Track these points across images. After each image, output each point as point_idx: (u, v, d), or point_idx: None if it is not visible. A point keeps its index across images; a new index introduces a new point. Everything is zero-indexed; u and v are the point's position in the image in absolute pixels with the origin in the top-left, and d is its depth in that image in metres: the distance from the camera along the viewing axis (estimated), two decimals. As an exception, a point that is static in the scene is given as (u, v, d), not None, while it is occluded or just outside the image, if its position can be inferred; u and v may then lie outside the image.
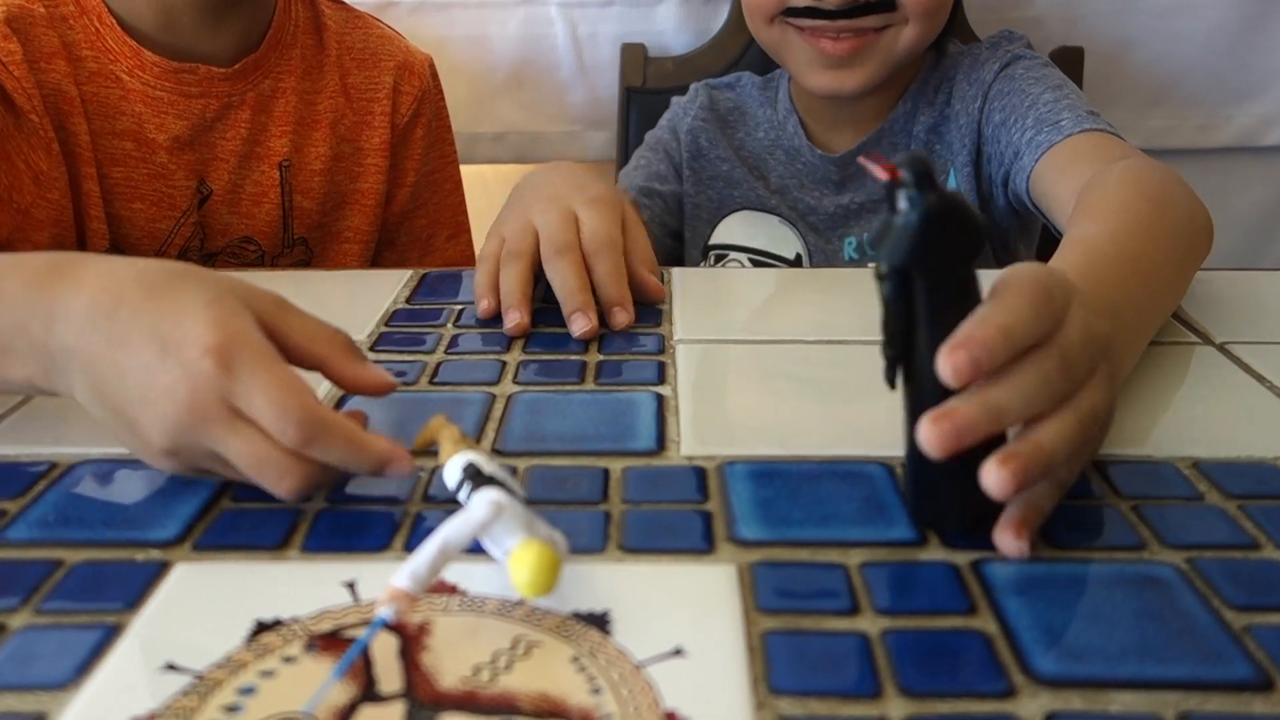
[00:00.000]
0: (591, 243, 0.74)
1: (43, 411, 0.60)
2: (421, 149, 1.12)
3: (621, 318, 0.72)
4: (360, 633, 0.40)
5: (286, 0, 1.03)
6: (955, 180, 1.06)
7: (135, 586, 0.44)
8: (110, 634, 0.41)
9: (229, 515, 0.49)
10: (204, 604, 0.43)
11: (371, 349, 0.69)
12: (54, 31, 0.91)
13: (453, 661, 0.39)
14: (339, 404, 0.60)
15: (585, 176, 0.84)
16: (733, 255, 1.12)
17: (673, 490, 0.51)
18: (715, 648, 0.40)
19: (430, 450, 0.53)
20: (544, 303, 0.74)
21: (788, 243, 1.11)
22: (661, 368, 0.66)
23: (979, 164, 1.05)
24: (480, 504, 0.41)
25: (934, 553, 0.46)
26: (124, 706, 0.37)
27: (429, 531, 0.42)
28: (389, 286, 0.81)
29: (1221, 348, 0.67)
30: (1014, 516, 0.46)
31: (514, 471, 0.53)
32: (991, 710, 0.37)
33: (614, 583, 0.44)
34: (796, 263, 1.10)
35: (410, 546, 0.46)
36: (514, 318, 0.71)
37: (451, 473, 0.45)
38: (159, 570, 0.45)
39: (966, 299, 0.45)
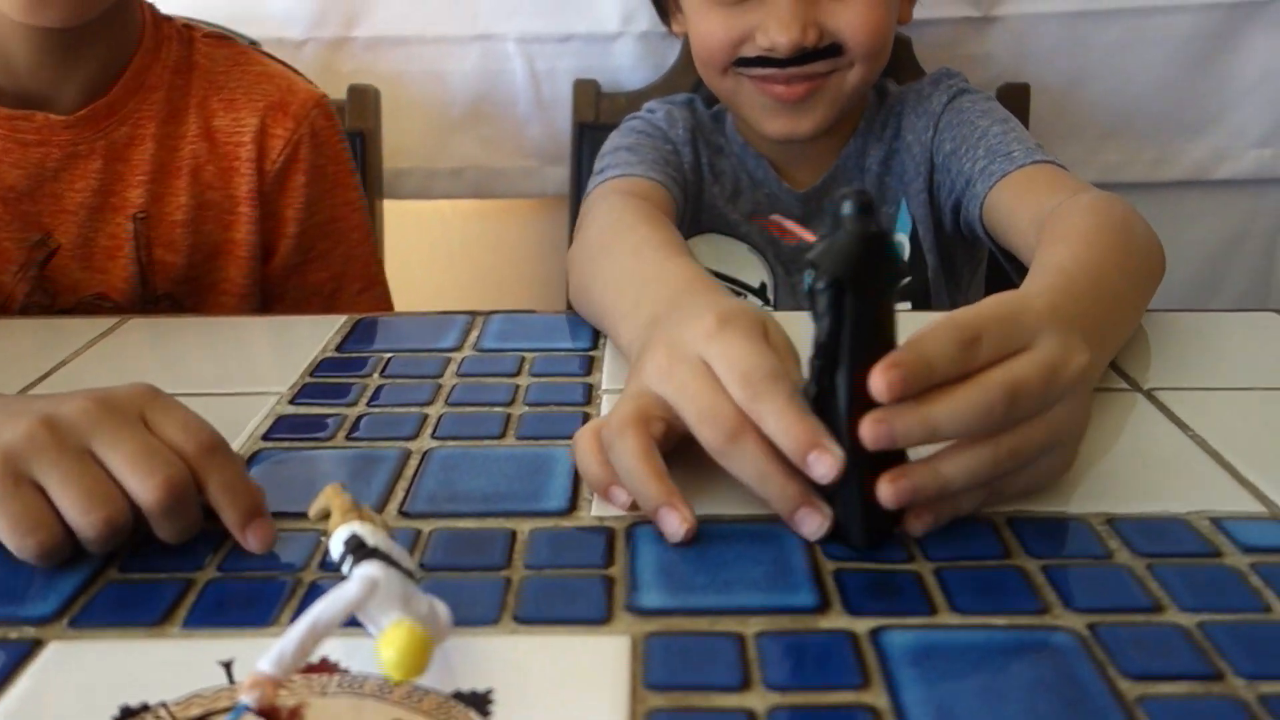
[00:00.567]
0: (745, 390, 0.51)
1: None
2: (303, 197, 1.03)
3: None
4: None
5: (154, 41, 0.98)
6: (908, 209, 1.07)
7: (1, 669, 0.43)
8: (-27, 720, 0.40)
9: (113, 588, 0.48)
10: (71, 687, 0.41)
11: (292, 402, 0.68)
12: None
13: (324, 747, 0.38)
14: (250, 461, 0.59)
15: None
16: None
17: (577, 555, 0.50)
18: (596, 728, 0.39)
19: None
20: None
21: (754, 270, 1.11)
22: (585, 420, 0.65)
23: (932, 191, 1.07)
24: (354, 581, 0.40)
25: (834, 620, 0.45)
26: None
27: (316, 605, 0.41)
28: (321, 333, 0.80)
29: (1149, 394, 0.67)
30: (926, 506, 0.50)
31: (418, 535, 0.52)
32: (871, 794, 0.36)
33: (503, 657, 0.43)
34: (761, 292, 1.10)
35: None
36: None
37: (335, 546, 0.44)
38: (29, 650, 0.44)
39: (886, 323, 0.49)
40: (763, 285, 1.10)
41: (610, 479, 0.53)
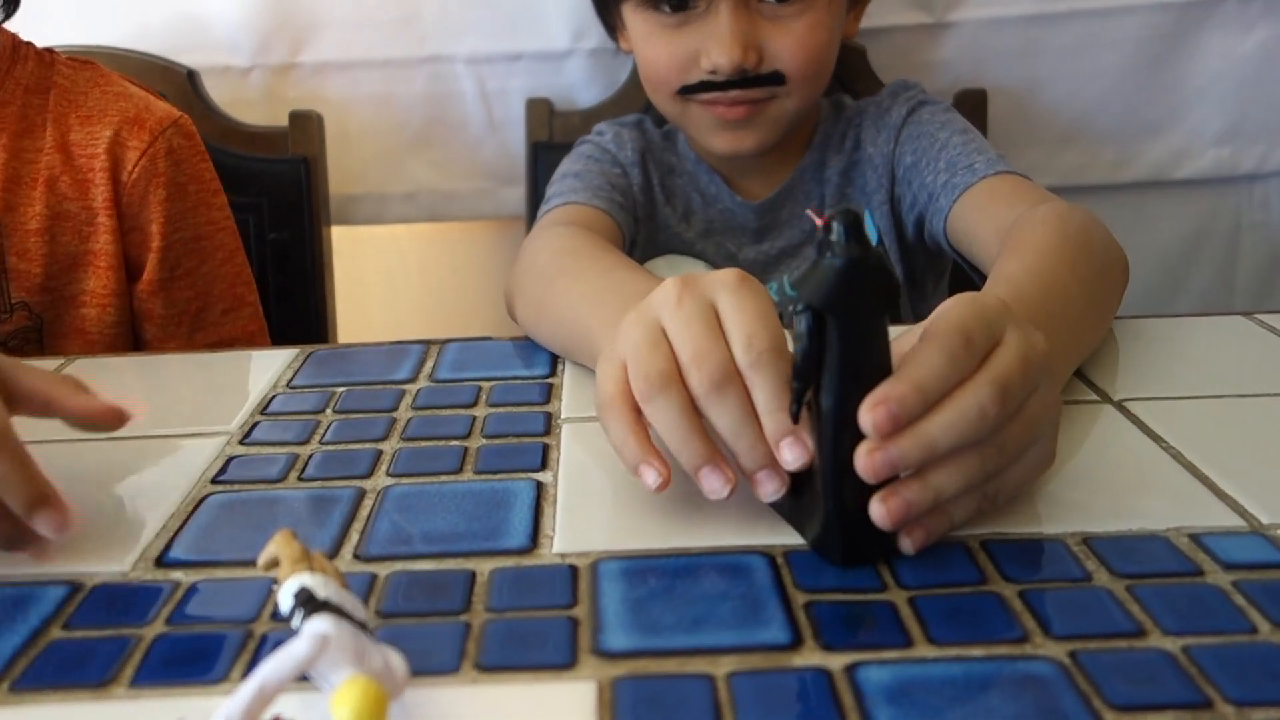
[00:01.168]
0: (747, 354, 0.51)
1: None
2: (165, 212, 1.05)
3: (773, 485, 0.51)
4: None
5: (9, 62, 1.02)
6: (871, 219, 1.06)
7: (-65, 744, 0.40)
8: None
9: (57, 646, 0.46)
10: (6, 762, 0.39)
11: (241, 442, 0.66)
12: None
13: (275, 816, 0.36)
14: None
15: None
16: None
17: (540, 595, 0.48)
18: (563, 784, 0.37)
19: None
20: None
21: None
22: (545, 450, 0.63)
23: (894, 202, 1.07)
24: (303, 639, 0.38)
25: (808, 656, 0.43)
26: None
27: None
28: (273, 367, 0.78)
29: (1120, 405, 0.66)
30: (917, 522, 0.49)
31: (374, 579, 0.50)
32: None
33: (464, 708, 0.41)
34: None
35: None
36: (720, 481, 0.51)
37: (284, 599, 0.42)
38: (-36, 721, 0.42)
39: (874, 346, 0.47)
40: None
41: (646, 454, 0.52)
